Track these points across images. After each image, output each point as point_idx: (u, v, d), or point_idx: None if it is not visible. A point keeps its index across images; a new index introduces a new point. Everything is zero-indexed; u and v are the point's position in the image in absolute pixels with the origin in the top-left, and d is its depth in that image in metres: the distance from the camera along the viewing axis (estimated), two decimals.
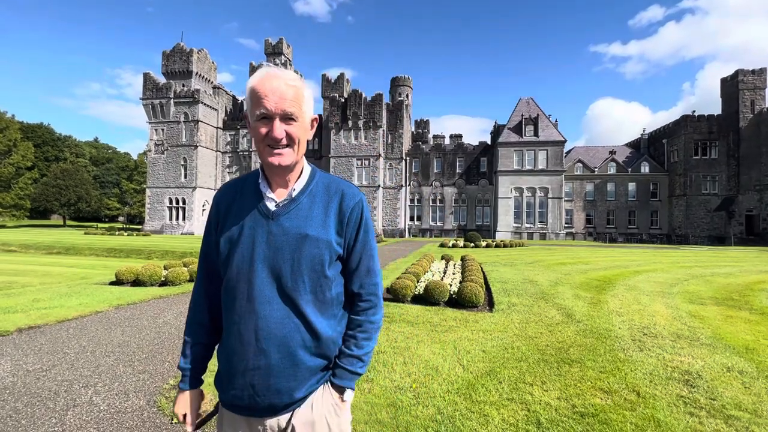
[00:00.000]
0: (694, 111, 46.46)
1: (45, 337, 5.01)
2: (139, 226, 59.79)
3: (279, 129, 1.06)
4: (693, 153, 45.14)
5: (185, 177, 50.47)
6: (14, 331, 5.17)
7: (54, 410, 3.08)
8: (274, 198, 1.14)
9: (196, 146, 50.13)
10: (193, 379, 1.22)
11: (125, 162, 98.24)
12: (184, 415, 1.21)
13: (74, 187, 67.26)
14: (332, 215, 1.14)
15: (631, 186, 48.29)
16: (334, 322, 1.18)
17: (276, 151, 1.07)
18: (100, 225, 70.25)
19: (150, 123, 51.59)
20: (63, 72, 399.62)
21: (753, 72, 43.76)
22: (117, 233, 43.56)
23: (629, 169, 48.41)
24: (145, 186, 55.59)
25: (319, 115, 52.29)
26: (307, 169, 1.19)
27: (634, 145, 54.20)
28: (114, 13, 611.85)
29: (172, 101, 50.55)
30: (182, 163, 50.54)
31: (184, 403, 1.21)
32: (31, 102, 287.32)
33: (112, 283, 9.37)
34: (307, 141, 1.15)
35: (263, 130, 1.06)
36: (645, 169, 48.45)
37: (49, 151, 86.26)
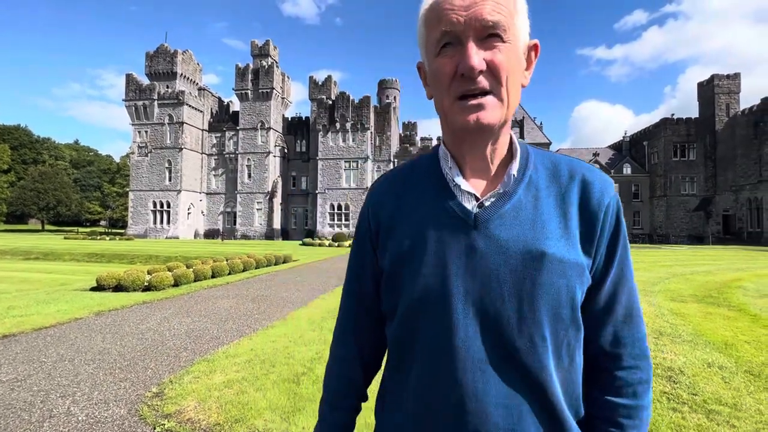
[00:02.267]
0: (673, 114, 47.92)
1: (20, 345, 4.83)
2: (122, 231, 58.40)
3: (475, 54, 0.59)
4: (672, 155, 46.46)
5: (170, 180, 49.52)
6: None
7: (29, 422, 2.96)
8: (472, 191, 0.68)
9: (181, 149, 49.27)
10: None
11: (107, 165, 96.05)
12: None
13: (53, 190, 65.41)
14: (574, 218, 0.66)
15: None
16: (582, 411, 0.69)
17: (472, 101, 0.61)
18: (80, 229, 68.33)
19: (133, 125, 50.52)
20: (42, 72, 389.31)
21: (728, 77, 45.28)
22: (99, 238, 42.47)
23: (612, 171, 49.50)
24: (128, 189, 54.32)
25: (306, 117, 51.61)
26: (516, 141, 0.72)
27: (617, 147, 55.50)
28: (96, 11, 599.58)
29: (155, 103, 49.62)
30: (167, 165, 49.59)
31: None
32: (8, 102, 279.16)
33: (93, 289, 9.12)
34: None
35: (448, 65, 0.62)
36: (627, 170, 49.65)
37: (26, 154, 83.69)
